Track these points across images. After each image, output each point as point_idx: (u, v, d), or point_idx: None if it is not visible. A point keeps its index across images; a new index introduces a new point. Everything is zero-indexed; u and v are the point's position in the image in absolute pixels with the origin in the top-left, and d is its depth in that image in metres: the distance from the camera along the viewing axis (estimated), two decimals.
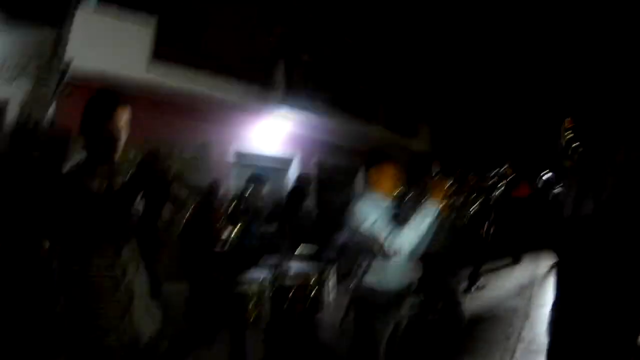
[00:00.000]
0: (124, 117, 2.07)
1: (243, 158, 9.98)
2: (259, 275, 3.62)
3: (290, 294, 3.59)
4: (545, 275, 8.09)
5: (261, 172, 4.98)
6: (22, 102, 6.93)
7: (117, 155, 2.05)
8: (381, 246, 2.69)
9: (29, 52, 7.54)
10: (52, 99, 6.70)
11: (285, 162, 11.25)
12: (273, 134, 10.56)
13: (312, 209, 5.05)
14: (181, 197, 2.10)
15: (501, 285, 7.81)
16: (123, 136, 2.07)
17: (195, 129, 8.55)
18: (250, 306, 3.45)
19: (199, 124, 8.68)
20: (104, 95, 2.10)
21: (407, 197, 3.63)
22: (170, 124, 8.02)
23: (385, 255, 2.70)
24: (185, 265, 5.21)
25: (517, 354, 4.51)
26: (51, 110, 6.78)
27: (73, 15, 7.33)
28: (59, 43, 7.46)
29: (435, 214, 2.75)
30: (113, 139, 2.03)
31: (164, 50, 8.32)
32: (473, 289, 7.28)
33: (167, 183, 2.05)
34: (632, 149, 2.61)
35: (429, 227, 2.76)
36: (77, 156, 2.05)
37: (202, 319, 4.66)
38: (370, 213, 2.87)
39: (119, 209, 1.91)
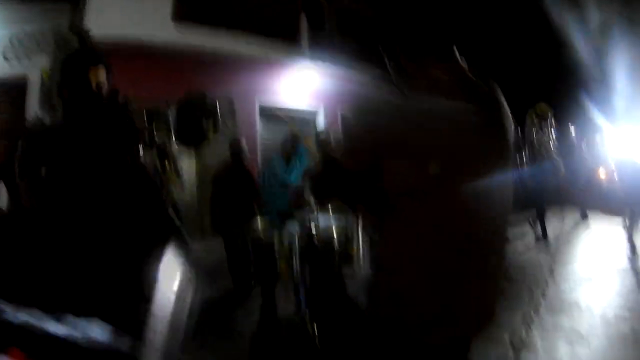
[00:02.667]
0: (102, 73, 2.05)
1: (268, 112, 10.03)
2: (290, 229, 3.66)
3: (320, 248, 3.62)
4: (570, 232, 8.08)
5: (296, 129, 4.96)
6: (50, 73, 6.93)
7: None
8: None
9: (45, 26, 7.44)
10: None
11: (311, 115, 11.23)
12: (298, 87, 10.49)
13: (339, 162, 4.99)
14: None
15: (526, 238, 7.83)
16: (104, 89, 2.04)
17: (219, 84, 8.54)
18: (280, 260, 3.51)
19: (223, 79, 8.66)
20: (82, 52, 2.10)
21: None
22: (195, 81, 8.06)
23: None
24: (219, 222, 5.32)
25: (541, 310, 4.55)
26: None
27: None
28: (75, 13, 7.37)
29: None
30: (97, 90, 2.01)
31: (186, 10, 8.27)
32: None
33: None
34: None
35: None
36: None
37: (238, 274, 4.78)
38: None
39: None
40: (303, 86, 10.60)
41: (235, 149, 5.83)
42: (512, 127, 1.50)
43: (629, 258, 5.91)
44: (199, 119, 2.01)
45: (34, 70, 7.21)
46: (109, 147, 1.97)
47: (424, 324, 1.36)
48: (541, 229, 7.86)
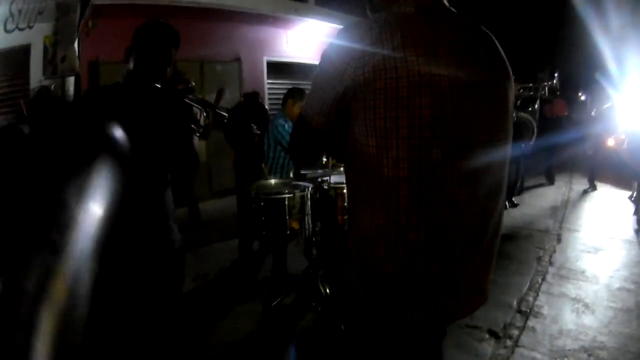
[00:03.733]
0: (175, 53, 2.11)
1: (275, 68, 9.98)
2: (300, 186, 3.63)
3: (331, 205, 3.58)
4: (578, 199, 8.08)
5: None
6: (51, 39, 6.74)
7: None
8: None
9: None
10: (76, 34, 6.49)
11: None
12: (305, 43, 10.42)
13: None
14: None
15: (535, 204, 7.80)
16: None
17: (227, 41, 8.60)
18: (291, 217, 3.48)
19: (230, 36, 8.74)
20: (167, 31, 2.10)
21: None
22: (203, 38, 7.99)
23: None
24: (237, 179, 5.25)
25: (548, 278, 4.59)
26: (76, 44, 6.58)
27: None
28: None
29: None
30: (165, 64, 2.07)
31: None
32: (508, 205, 7.35)
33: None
34: None
35: None
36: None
37: (248, 233, 4.76)
38: None
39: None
40: (310, 41, 10.49)
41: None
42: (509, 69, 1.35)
43: (635, 231, 5.91)
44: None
45: (37, 37, 6.96)
46: (166, 126, 1.99)
47: (393, 304, 1.27)
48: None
